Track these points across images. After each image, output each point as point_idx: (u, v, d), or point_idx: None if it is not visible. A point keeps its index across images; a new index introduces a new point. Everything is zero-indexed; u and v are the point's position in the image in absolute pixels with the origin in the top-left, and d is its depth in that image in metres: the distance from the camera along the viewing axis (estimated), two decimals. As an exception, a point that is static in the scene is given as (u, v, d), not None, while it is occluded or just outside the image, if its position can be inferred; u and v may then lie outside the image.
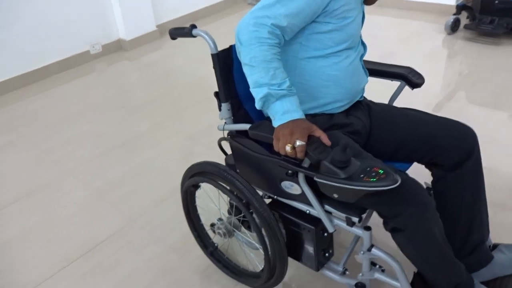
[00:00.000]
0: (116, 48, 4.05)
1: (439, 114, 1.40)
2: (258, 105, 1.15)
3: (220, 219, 1.60)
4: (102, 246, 1.87)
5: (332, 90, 1.29)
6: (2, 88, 3.36)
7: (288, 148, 1.06)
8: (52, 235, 1.96)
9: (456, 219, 1.34)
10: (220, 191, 1.41)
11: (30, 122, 2.96)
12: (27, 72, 3.49)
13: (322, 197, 1.20)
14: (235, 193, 1.37)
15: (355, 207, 1.19)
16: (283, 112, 1.11)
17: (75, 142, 2.66)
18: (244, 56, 1.15)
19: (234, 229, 1.57)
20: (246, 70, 1.16)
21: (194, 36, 1.32)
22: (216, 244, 1.68)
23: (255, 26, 1.13)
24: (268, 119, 1.18)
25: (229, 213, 1.59)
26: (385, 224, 1.16)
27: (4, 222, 2.06)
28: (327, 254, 1.37)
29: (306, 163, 1.10)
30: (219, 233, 1.57)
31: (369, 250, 1.23)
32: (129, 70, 3.76)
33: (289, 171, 1.17)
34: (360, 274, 1.30)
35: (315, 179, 1.05)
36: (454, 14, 3.63)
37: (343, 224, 1.23)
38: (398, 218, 1.10)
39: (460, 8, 3.61)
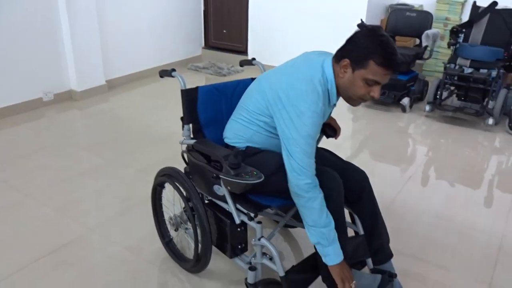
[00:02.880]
0: (67, 97, 4.46)
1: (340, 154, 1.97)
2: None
3: (174, 215, 2.07)
4: (65, 247, 2.23)
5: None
6: (-45, 126, 3.61)
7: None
8: (22, 239, 2.28)
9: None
10: (175, 190, 1.92)
11: (-14, 155, 3.24)
12: (-19, 113, 3.79)
13: (236, 199, 1.70)
14: (183, 192, 1.89)
15: (254, 207, 1.66)
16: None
17: (32, 173, 2.99)
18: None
19: (182, 222, 2.04)
20: None
21: (173, 76, 1.88)
22: (171, 237, 2.15)
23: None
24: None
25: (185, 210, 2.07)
26: None
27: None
28: (239, 247, 1.81)
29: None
30: (171, 223, 2.05)
31: (259, 239, 1.68)
32: (79, 117, 4.16)
33: (214, 175, 1.64)
34: (253, 258, 1.78)
35: (220, 175, 1.54)
36: (356, 86, 4.55)
37: (245, 218, 1.69)
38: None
39: (360, 82, 4.54)
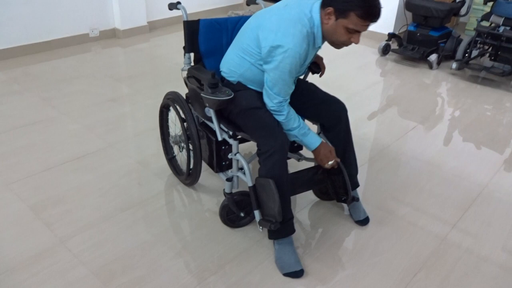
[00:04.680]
0: (111, 35, 4.83)
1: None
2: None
3: (175, 134, 2.37)
4: (86, 156, 2.62)
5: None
6: (12, 53, 4.09)
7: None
8: (52, 147, 2.69)
9: None
10: (174, 111, 2.20)
11: (33, 79, 3.68)
12: (35, 42, 4.23)
13: (220, 120, 1.95)
14: (181, 114, 2.16)
15: (234, 127, 1.92)
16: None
17: (70, 96, 3.40)
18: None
19: (181, 141, 2.33)
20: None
21: (178, 9, 2.11)
22: (174, 154, 2.46)
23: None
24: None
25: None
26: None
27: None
28: (224, 163, 2.10)
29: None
30: (172, 141, 2.35)
31: (235, 154, 1.95)
32: (120, 53, 4.52)
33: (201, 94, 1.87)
34: (230, 171, 2.06)
35: (201, 94, 1.79)
36: (386, 40, 4.56)
37: (226, 136, 1.96)
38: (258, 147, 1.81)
39: (390, 35, 4.54)
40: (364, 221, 2.14)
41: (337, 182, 2.04)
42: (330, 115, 2.04)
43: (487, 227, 2.18)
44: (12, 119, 3.01)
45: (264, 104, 1.90)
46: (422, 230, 2.15)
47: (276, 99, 1.83)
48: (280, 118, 1.86)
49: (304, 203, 2.30)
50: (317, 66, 2.21)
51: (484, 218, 2.25)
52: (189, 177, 2.29)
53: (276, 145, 1.77)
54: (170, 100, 2.27)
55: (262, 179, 1.82)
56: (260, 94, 1.96)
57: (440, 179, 2.56)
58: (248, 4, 2.43)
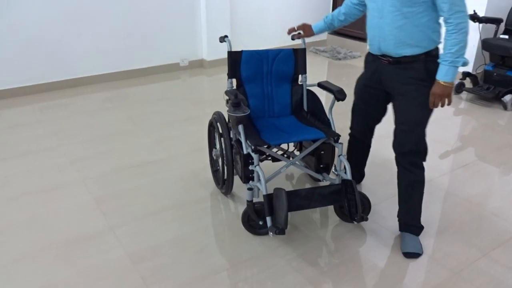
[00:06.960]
0: (199, 65, 5.43)
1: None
2: None
3: (216, 148, 2.69)
4: (148, 164, 3.05)
5: None
6: (113, 77, 4.85)
7: None
8: (125, 153, 3.19)
9: None
10: (215, 128, 2.53)
11: (124, 99, 4.33)
12: (134, 69, 4.96)
13: (247, 136, 2.19)
14: (220, 130, 2.48)
15: (256, 142, 2.14)
16: None
17: (149, 115, 3.95)
18: None
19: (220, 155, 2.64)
20: None
21: (225, 41, 2.48)
22: (218, 167, 2.77)
23: None
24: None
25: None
26: None
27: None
28: (250, 175, 2.30)
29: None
30: (214, 154, 2.68)
31: (255, 166, 2.15)
32: (204, 81, 5.07)
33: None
34: (250, 181, 2.26)
35: (227, 112, 2.07)
36: (460, 79, 4.47)
37: (249, 149, 2.19)
38: None
39: (465, 75, 4.45)
40: (408, 255, 2.18)
41: (351, 201, 2.17)
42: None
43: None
44: (98, 130, 3.61)
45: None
46: (436, 261, 2.16)
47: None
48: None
49: (328, 222, 2.44)
50: (342, 92, 2.35)
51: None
52: (224, 186, 2.57)
53: None
54: (214, 118, 2.60)
55: (277, 190, 2.05)
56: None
57: (475, 216, 2.51)
58: (293, 39, 2.70)
